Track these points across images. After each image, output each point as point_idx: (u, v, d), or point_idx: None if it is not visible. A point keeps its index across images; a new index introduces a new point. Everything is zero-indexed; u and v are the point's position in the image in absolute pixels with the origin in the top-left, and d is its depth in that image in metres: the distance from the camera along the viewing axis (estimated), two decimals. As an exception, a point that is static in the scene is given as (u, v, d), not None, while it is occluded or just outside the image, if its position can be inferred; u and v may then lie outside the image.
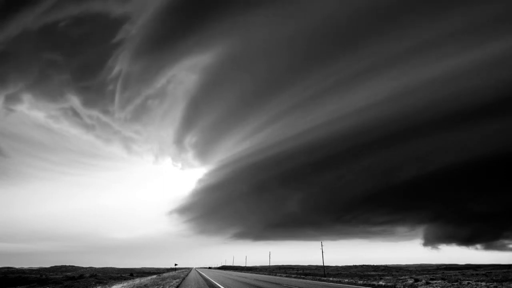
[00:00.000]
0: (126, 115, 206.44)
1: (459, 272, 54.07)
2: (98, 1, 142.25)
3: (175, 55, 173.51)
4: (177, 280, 27.06)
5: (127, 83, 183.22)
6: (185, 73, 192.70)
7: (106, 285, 28.35)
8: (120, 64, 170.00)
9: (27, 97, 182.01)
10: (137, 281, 28.99)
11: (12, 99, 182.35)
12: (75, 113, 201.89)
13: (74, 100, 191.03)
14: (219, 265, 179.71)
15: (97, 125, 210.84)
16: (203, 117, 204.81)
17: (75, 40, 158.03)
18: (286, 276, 39.48)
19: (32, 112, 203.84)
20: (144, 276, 56.07)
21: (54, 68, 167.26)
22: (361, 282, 23.08)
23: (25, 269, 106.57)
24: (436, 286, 18.36)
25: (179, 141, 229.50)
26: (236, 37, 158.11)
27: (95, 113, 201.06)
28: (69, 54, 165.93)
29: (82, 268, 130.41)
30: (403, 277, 31.40)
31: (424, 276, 35.86)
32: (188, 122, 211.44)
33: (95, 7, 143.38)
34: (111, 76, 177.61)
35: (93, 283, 41.36)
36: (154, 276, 42.40)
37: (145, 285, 21.07)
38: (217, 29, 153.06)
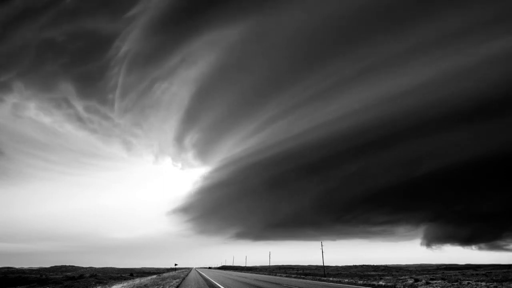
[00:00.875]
0: (128, 103, 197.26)
1: (459, 272, 54.08)
2: (89, 20, 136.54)
3: (173, 60, 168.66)
4: (177, 280, 27.06)
5: (134, 64, 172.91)
6: (183, 77, 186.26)
7: (106, 285, 28.35)
8: (130, 43, 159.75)
9: (17, 86, 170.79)
10: (137, 281, 29.00)
11: (2, 87, 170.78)
12: (69, 105, 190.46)
13: (69, 89, 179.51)
14: (219, 265, 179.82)
15: (94, 117, 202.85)
16: (203, 118, 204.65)
17: (82, 16, 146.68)
18: (286, 276, 39.48)
19: (23, 103, 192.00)
20: (144, 276, 56.08)
21: (52, 50, 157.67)
22: (361, 282, 23.08)
23: (25, 269, 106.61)
24: (436, 286, 18.36)
25: (178, 142, 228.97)
26: (236, 37, 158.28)
27: (92, 103, 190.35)
28: (72, 34, 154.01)
29: (82, 268, 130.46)
30: (403, 277, 31.41)
31: (424, 276, 35.86)
32: (187, 124, 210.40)
33: (87, 25, 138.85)
34: (117, 57, 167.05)
35: (93, 283, 41.36)
36: (154, 276, 42.41)
37: (145, 285, 21.07)
38: (215, 31, 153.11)
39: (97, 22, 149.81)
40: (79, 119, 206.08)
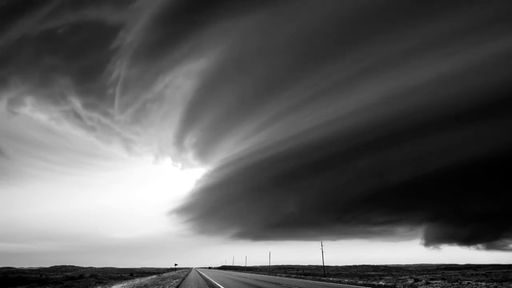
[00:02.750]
0: (126, 117, 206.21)
1: (459, 272, 54.09)
2: (94, 10, 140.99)
3: (171, 61, 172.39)
4: (177, 280, 27.06)
5: (126, 87, 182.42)
6: (182, 79, 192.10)
7: (106, 285, 28.35)
8: (119, 69, 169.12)
9: (30, 100, 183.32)
10: (137, 281, 28.99)
11: (15, 102, 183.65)
12: (77, 115, 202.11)
13: (76, 103, 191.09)
14: (219, 265, 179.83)
15: (97, 126, 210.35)
16: (203, 118, 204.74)
17: (73, 45, 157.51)
18: (286, 276, 39.47)
19: (35, 114, 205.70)
20: (144, 276, 56.07)
21: (55, 72, 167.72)
22: (361, 282, 23.08)
23: (25, 269, 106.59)
24: (436, 286, 18.36)
25: (178, 142, 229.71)
26: (236, 37, 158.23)
27: (95, 115, 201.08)
28: (69, 59, 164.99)
29: (82, 268, 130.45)
30: (403, 277, 31.40)
31: (424, 276, 35.86)
32: (187, 124, 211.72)
33: (91, 15, 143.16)
34: (111, 79, 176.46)
35: (93, 283, 41.35)
36: (154, 276, 42.40)
37: (145, 285, 21.07)
38: (214, 31, 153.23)
39: (102, 11, 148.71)
40: (85, 127, 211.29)
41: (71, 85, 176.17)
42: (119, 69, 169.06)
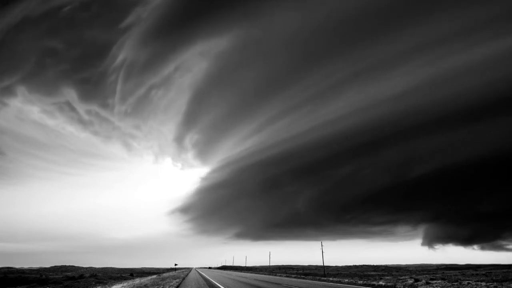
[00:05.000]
0: (127, 108, 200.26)
1: (459, 272, 54.11)
2: None
3: (186, 39, 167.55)
4: (177, 280, 27.05)
5: (131, 72, 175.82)
6: (195, 60, 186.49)
7: (106, 285, 28.35)
8: (126, 51, 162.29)
9: (21, 90, 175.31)
10: (137, 281, 28.98)
11: (5, 92, 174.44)
12: (72, 108, 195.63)
13: (71, 94, 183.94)
14: (219, 265, 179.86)
15: (95, 120, 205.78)
16: (205, 115, 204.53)
17: (79, 25, 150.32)
18: (286, 276, 39.46)
19: (26, 106, 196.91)
20: (144, 276, 56.05)
21: (52, 57, 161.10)
22: (361, 282, 23.07)
23: (25, 269, 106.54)
24: (436, 286, 18.35)
25: (179, 139, 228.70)
26: (235, 37, 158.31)
27: (93, 107, 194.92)
28: (71, 42, 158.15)
29: (82, 268, 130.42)
30: (403, 277, 31.39)
31: (424, 276, 35.86)
32: (190, 117, 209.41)
33: None
34: (115, 64, 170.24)
35: (93, 283, 41.33)
36: (154, 276, 42.38)
37: (145, 285, 21.06)
38: (214, 31, 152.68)
39: (94, 31, 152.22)
40: (81, 122, 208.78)
41: (68, 73, 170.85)
42: (126, 51, 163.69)
